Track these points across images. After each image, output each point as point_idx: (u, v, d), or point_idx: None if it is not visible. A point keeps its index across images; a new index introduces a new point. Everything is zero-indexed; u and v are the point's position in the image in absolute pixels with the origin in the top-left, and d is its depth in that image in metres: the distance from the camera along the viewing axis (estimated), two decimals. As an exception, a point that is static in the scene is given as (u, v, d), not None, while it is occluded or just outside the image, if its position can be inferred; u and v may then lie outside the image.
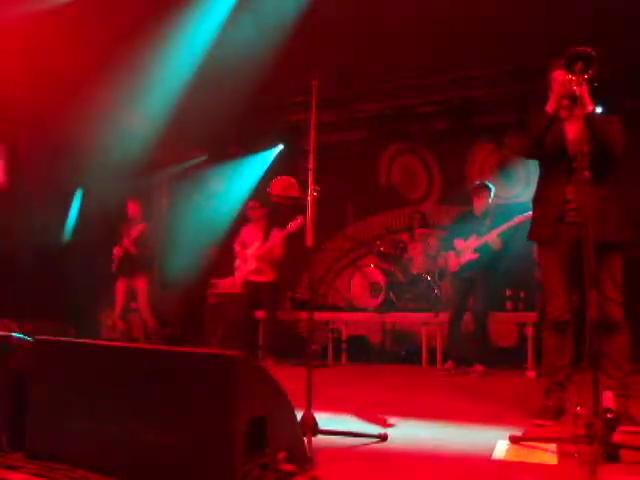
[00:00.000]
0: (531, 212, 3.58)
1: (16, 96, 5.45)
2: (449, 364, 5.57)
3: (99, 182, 7.21)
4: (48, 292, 6.60)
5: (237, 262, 6.54)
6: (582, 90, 2.82)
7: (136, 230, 6.46)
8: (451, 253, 5.76)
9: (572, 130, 3.11)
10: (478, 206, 5.71)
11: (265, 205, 6.46)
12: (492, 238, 5.43)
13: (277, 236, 6.23)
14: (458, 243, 5.70)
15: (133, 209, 6.62)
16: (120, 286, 6.44)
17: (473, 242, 5.57)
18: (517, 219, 5.27)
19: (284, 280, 7.29)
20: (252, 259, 6.37)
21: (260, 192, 7.12)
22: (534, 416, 3.20)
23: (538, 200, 3.38)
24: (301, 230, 5.90)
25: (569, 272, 3.21)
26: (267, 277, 6.36)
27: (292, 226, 6.04)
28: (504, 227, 5.38)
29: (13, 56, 5.23)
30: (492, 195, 5.74)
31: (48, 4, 4.79)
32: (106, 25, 5.07)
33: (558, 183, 3.20)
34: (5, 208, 6.37)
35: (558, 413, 3.17)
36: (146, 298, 6.41)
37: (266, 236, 6.34)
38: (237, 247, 6.56)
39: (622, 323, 3.08)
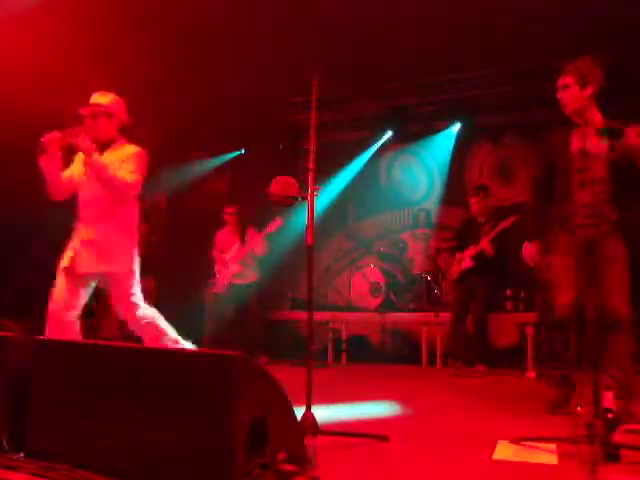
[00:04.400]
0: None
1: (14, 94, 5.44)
2: (458, 364, 5.61)
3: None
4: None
5: (217, 266, 6.56)
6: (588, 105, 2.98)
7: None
8: (453, 261, 5.91)
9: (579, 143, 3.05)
10: (475, 209, 5.82)
11: (240, 209, 6.53)
12: (485, 245, 5.52)
13: (255, 237, 6.25)
14: (458, 255, 5.85)
15: None
16: None
17: (471, 251, 5.70)
18: (502, 224, 5.43)
19: (284, 280, 7.30)
20: (234, 262, 6.39)
21: (239, 195, 7.22)
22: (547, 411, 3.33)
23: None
24: (294, 232, 5.96)
25: (576, 272, 3.16)
26: (250, 279, 6.39)
27: (271, 227, 6.09)
28: (493, 233, 5.48)
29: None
30: (486, 195, 5.82)
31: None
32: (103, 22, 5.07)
33: (567, 189, 3.16)
34: (5, 208, 6.37)
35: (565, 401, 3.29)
36: (153, 299, 6.34)
37: (242, 238, 6.38)
38: (215, 254, 6.58)
39: (625, 323, 3.06)
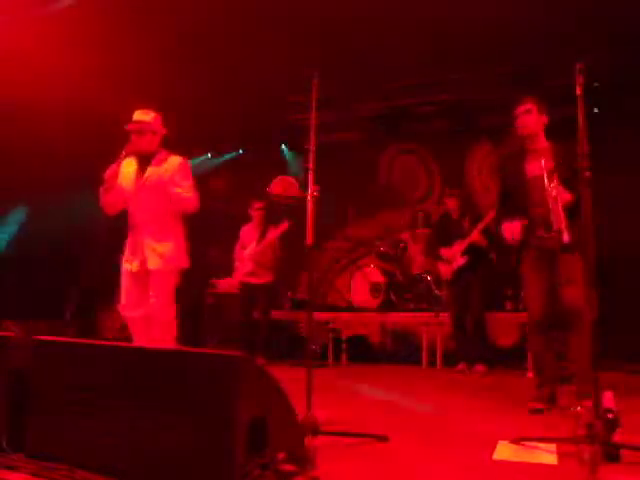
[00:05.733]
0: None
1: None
2: (462, 365, 5.59)
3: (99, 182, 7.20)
4: (48, 292, 6.60)
5: (236, 263, 6.56)
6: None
7: None
8: (440, 263, 5.84)
9: (534, 168, 3.56)
10: (451, 208, 5.83)
11: (268, 206, 6.49)
12: (476, 237, 5.48)
13: (273, 234, 6.26)
14: (444, 252, 5.77)
15: None
16: None
17: (459, 246, 5.63)
18: (490, 214, 5.37)
19: (284, 280, 7.29)
20: (248, 260, 6.38)
21: (264, 192, 7.15)
22: (530, 401, 3.51)
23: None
24: (294, 232, 5.95)
25: (545, 278, 3.58)
26: (262, 279, 6.37)
27: (275, 231, 6.12)
28: (484, 222, 5.44)
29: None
30: (461, 196, 5.89)
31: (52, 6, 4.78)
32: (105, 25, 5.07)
33: (526, 208, 3.61)
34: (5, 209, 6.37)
35: (551, 399, 3.51)
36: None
37: (262, 236, 6.37)
38: (238, 248, 6.57)
39: (584, 317, 3.20)
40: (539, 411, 3.44)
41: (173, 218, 3.67)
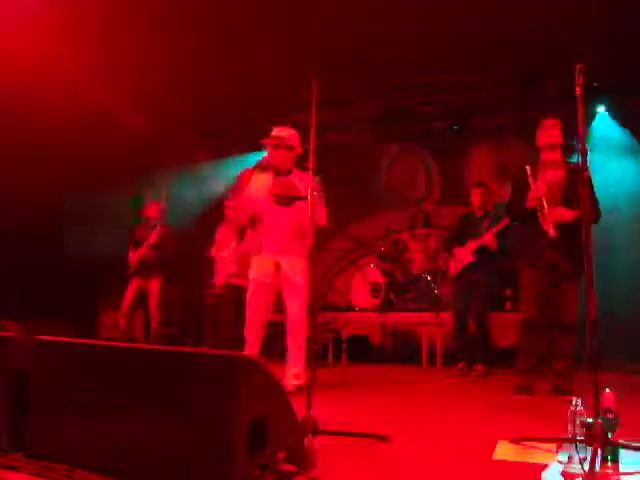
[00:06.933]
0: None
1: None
2: (461, 365, 5.58)
3: (99, 183, 7.20)
4: (48, 292, 6.60)
5: (216, 265, 6.53)
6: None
7: (155, 233, 6.36)
8: (451, 258, 5.83)
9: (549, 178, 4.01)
10: (475, 204, 5.79)
11: None
12: (489, 239, 5.47)
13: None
14: (457, 251, 5.77)
15: (154, 211, 6.51)
16: (132, 285, 6.36)
17: (471, 245, 5.62)
18: (505, 220, 5.34)
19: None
20: (231, 262, 6.33)
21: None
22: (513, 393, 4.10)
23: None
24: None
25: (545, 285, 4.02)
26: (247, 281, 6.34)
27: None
28: (499, 227, 5.43)
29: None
30: (487, 190, 5.81)
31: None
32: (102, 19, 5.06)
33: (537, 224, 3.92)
34: (5, 209, 6.37)
35: (529, 388, 4.10)
36: (158, 299, 6.36)
37: (240, 236, 6.33)
38: (214, 252, 6.55)
39: (575, 326, 3.89)
40: (525, 389, 4.10)
41: (304, 233, 3.81)
